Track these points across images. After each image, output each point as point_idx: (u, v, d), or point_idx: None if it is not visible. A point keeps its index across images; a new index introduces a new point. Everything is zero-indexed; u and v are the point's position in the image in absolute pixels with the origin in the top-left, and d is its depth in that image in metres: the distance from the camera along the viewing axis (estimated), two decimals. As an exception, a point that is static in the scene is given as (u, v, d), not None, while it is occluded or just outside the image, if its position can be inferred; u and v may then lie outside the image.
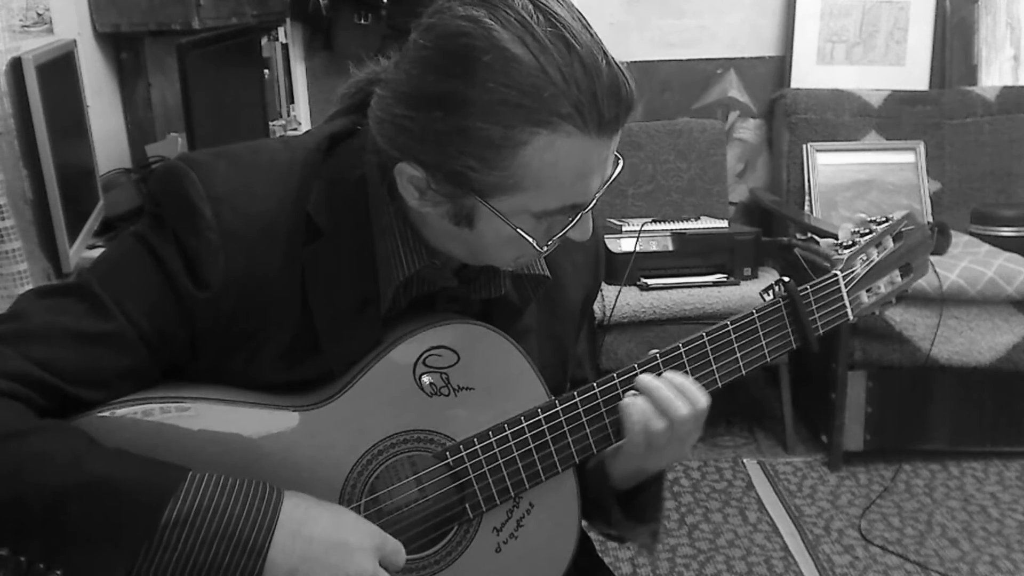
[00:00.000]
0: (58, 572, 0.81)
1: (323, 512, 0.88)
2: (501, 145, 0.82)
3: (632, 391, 1.01)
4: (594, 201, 0.90)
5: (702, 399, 1.00)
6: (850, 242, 1.15)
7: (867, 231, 1.16)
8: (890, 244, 1.17)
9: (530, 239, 0.88)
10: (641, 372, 1.02)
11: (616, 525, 1.11)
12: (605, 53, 0.83)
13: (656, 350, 1.04)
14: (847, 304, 1.12)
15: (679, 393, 0.99)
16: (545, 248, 0.90)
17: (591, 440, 1.02)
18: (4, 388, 0.83)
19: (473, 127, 0.82)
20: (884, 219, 1.18)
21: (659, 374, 1.01)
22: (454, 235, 0.92)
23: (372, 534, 0.90)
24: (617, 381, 1.02)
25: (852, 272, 1.13)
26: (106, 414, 0.88)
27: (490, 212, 0.87)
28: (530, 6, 0.82)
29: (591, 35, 0.83)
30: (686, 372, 1.03)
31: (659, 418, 0.99)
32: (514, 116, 0.81)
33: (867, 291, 1.15)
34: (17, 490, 0.80)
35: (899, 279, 1.18)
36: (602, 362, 2.67)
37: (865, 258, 1.14)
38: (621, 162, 0.92)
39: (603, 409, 1.01)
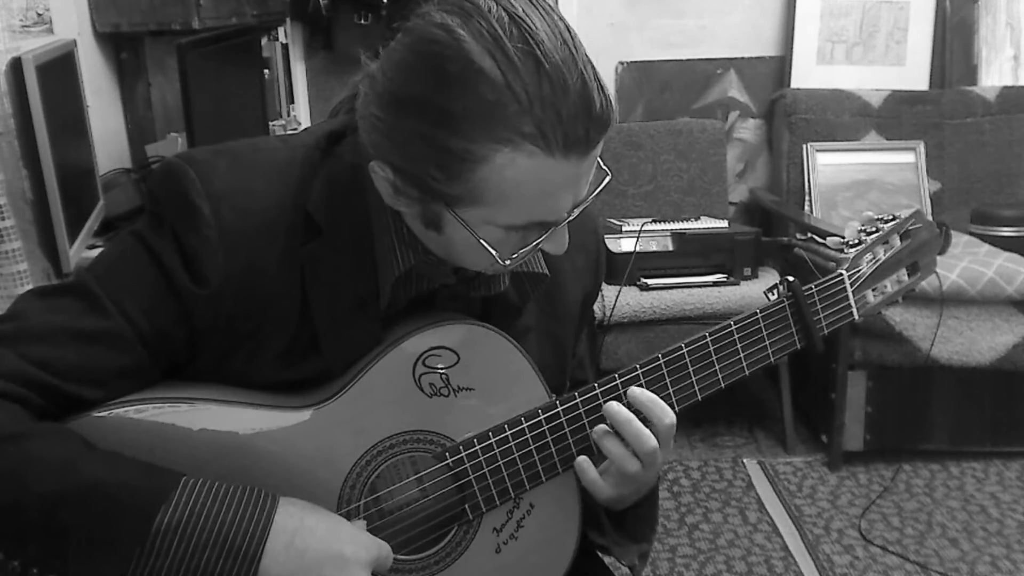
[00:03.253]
0: None
1: (319, 522, 0.88)
2: (463, 158, 0.81)
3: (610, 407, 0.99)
4: (569, 217, 0.89)
5: (667, 418, 0.98)
6: (856, 240, 1.14)
7: (874, 229, 1.15)
8: (897, 243, 1.16)
9: (493, 251, 0.87)
10: (642, 370, 1.02)
11: (608, 537, 1.11)
12: (581, 71, 0.81)
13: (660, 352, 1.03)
14: (852, 304, 1.12)
15: (642, 428, 0.97)
16: (508, 262, 0.89)
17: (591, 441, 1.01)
18: (1, 389, 0.83)
19: (436, 136, 0.81)
20: (891, 217, 1.16)
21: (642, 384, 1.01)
22: (425, 236, 0.92)
23: (368, 546, 0.89)
24: (619, 381, 1.01)
25: (858, 271, 1.12)
26: (104, 414, 0.88)
27: (455, 220, 0.87)
28: (506, 18, 0.80)
29: (570, 50, 0.81)
30: (687, 373, 1.03)
31: (631, 460, 0.98)
32: (475, 130, 0.80)
33: (873, 290, 1.14)
34: (12, 495, 0.80)
35: (906, 278, 1.17)
36: (602, 362, 2.67)
37: (871, 257, 1.14)
38: (608, 177, 0.91)
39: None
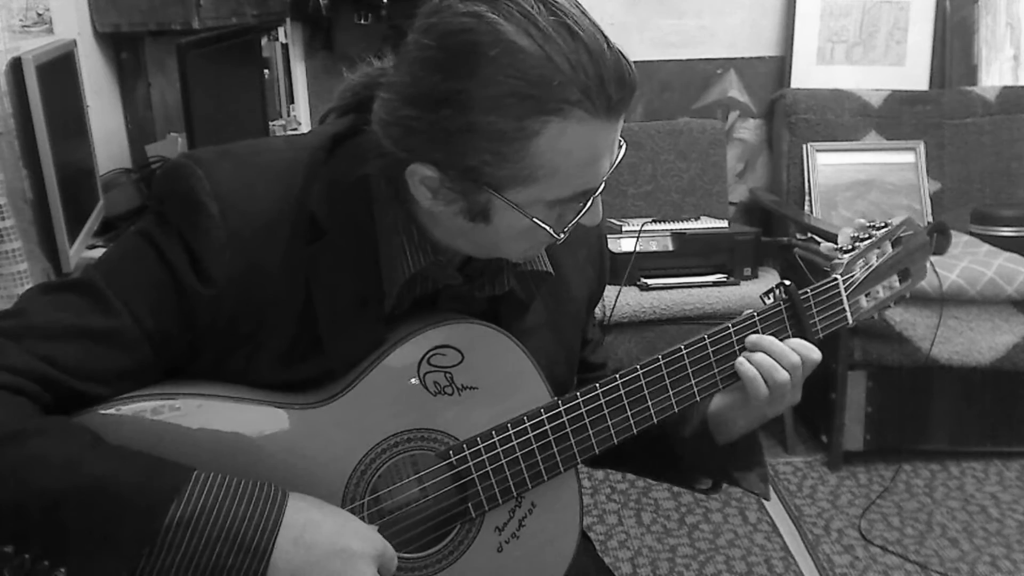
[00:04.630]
0: (62, 570, 0.80)
1: (327, 516, 0.88)
2: (514, 137, 0.83)
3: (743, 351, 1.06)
4: (603, 185, 0.91)
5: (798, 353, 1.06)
6: (850, 247, 1.15)
7: (866, 236, 1.17)
8: (889, 249, 1.18)
9: (547, 227, 0.89)
10: (642, 371, 1.03)
11: (722, 474, 1.15)
12: (606, 37, 0.84)
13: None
14: (847, 309, 1.13)
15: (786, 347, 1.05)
16: (562, 236, 0.91)
17: (593, 440, 1.02)
18: (7, 382, 0.83)
19: (484, 122, 0.82)
20: (883, 224, 1.18)
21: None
22: (467, 231, 0.92)
23: (374, 541, 0.90)
24: (620, 382, 1.02)
25: (852, 277, 1.14)
26: (110, 411, 0.88)
27: (505, 205, 0.87)
28: None
29: (590, 20, 0.84)
30: (687, 374, 1.04)
31: (780, 370, 1.04)
32: (524, 107, 0.82)
33: (866, 295, 1.15)
34: (16, 492, 0.80)
35: (897, 284, 1.19)
36: (602, 362, 2.67)
37: (864, 263, 1.15)
38: (624, 145, 0.92)
39: (606, 411, 1.02)
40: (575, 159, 0.85)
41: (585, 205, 0.91)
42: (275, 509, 0.85)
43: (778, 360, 1.04)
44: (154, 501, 0.81)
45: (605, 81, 0.83)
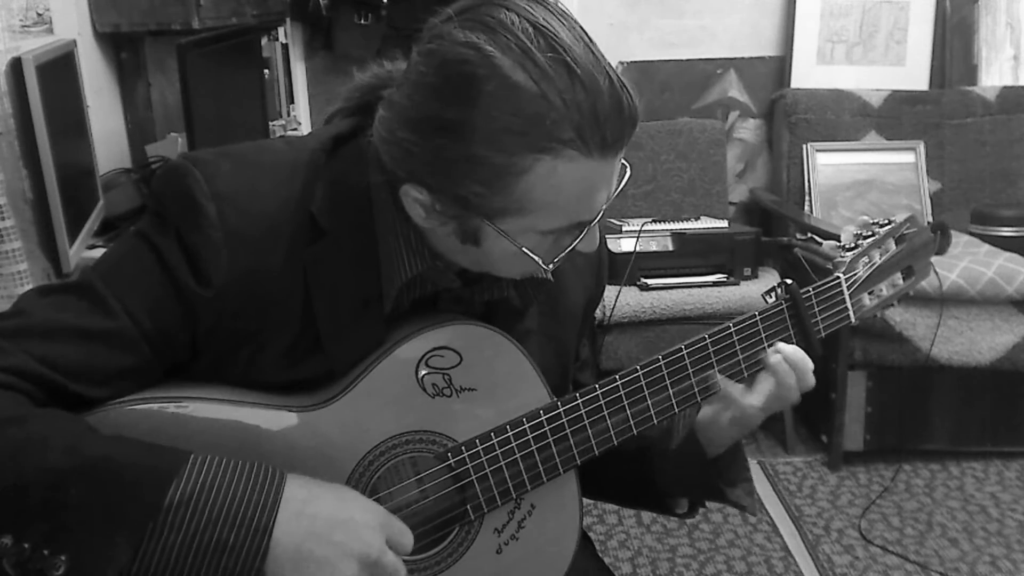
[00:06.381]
0: (62, 557, 0.80)
1: (327, 491, 0.88)
2: (505, 172, 0.83)
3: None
4: (600, 215, 0.90)
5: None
6: (852, 244, 1.15)
7: (870, 233, 1.16)
8: (892, 247, 1.17)
9: (536, 258, 0.89)
10: (642, 371, 1.02)
11: (707, 489, 1.13)
12: (607, 72, 0.83)
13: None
14: (849, 307, 1.12)
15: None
16: (551, 266, 0.91)
17: (593, 442, 1.02)
18: (4, 381, 0.83)
19: (477, 154, 0.82)
20: (887, 221, 1.17)
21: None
22: (461, 250, 0.93)
23: (377, 512, 0.90)
24: (620, 383, 1.02)
25: (854, 275, 1.13)
26: (108, 413, 0.88)
27: (496, 232, 0.88)
28: (531, 29, 0.82)
29: (593, 54, 0.83)
30: (687, 375, 1.04)
31: (794, 390, 1.04)
32: (517, 143, 0.82)
33: (869, 294, 1.14)
34: (17, 474, 0.80)
35: (901, 281, 1.18)
36: (602, 362, 2.67)
37: (867, 261, 1.14)
38: (628, 171, 0.92)
39: (605, 411, 1.02)
40: (567, 195, 0.85)
41: (580, 234, 0.91)
42: (274, 486, 0.85)
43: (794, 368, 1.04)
44: (153, 481, 0.81)
45: (600, 120, 0.82)
